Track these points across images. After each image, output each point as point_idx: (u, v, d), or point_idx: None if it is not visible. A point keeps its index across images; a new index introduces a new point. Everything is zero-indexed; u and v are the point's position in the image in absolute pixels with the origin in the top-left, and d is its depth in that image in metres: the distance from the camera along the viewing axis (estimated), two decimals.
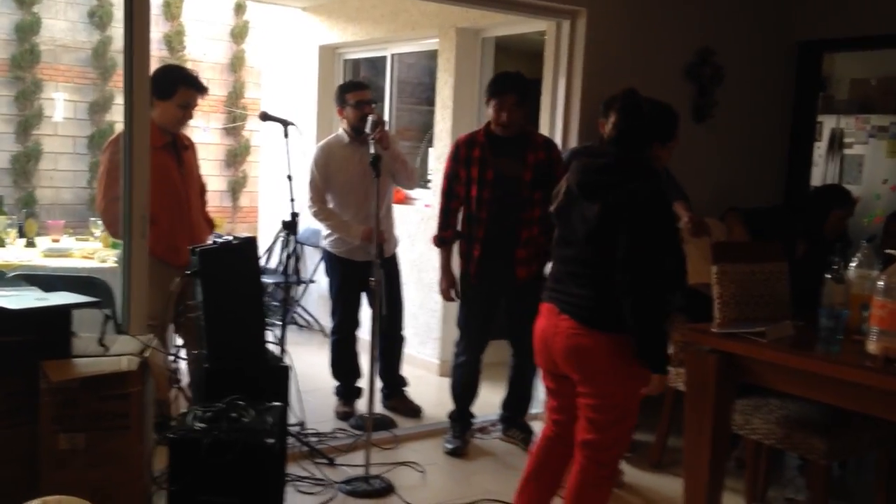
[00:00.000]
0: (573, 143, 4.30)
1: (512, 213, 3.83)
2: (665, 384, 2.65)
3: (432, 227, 5.18)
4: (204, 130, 6.89)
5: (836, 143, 6.18)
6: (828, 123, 6.20)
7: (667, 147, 2.70)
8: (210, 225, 4.02)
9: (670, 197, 4.06)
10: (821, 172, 6.15)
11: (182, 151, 3.81)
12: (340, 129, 4.36)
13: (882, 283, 2.54)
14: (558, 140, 4.31)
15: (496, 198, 3.81)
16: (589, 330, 2.59)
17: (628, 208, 2.50)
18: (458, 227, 3.97)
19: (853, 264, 2.93)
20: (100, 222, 5.02)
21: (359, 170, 4.20)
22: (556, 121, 4.38)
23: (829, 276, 2.75)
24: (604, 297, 2.57)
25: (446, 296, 4.04)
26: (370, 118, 3.83)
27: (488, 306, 3.99)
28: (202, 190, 4.00)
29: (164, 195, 3.64)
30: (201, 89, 3.74)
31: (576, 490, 2.69)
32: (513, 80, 3.86)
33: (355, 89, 4.30)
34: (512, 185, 3.82)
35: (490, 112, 3.84)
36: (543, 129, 4.37)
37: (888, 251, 2.65)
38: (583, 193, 2.61)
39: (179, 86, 3.65)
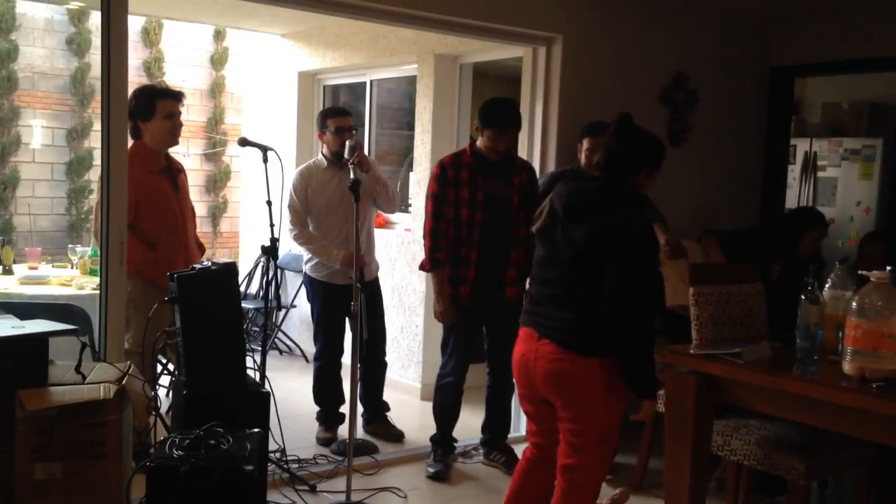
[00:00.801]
0: (551, 167, 4.35)
1: (503, 234, 3.86)
2: (655, 409, 2.66)
3: (413, 250, 5.22)
4: (184, 156, 6.88)
5: (810, 165, 6.28)
6: (801, 146, 6.30)
7: (652, 177, 2.71)
8: (201, 249, 4.01)
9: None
10: (795, 195, 6.24)
11: (176, 175, 3.83)
12: (320, 154, 4.38)
13: (856, 303, 2.58)
14: (536, 164, 4.36)
15: (487, 219, 3.83)
16: (570, 354, 2.58)
17: (619, 235, 2.51)
18: None
19: (827, 285, 2.97)
20: (78, 249, 5.01)
21: (338, 194, 4.21)
22: (533, 145, 4.43)
23: (803, 297, 2.78)
24: (586, 321, 2.57)
25: (446, 318, 3.93)
26: (348, 143, 3.85)
27: (476, 328, 4.01)
28: (192, 214, 4.01)
29: (162, 220, 3.68)
30: (176, 96, 3.78)
31: None
32: (513, 111, 3.90)
33: (336, 115, 4.32)
34: (502, 207, 3.86)
35: (484, 139, 3.83)
36: (521, 153, 4.41)
37: (862, 272, 2.68)
38: (568, 215, 2.60)
39: (156, 100, 3.70)
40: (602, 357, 2.56)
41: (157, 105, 3.68)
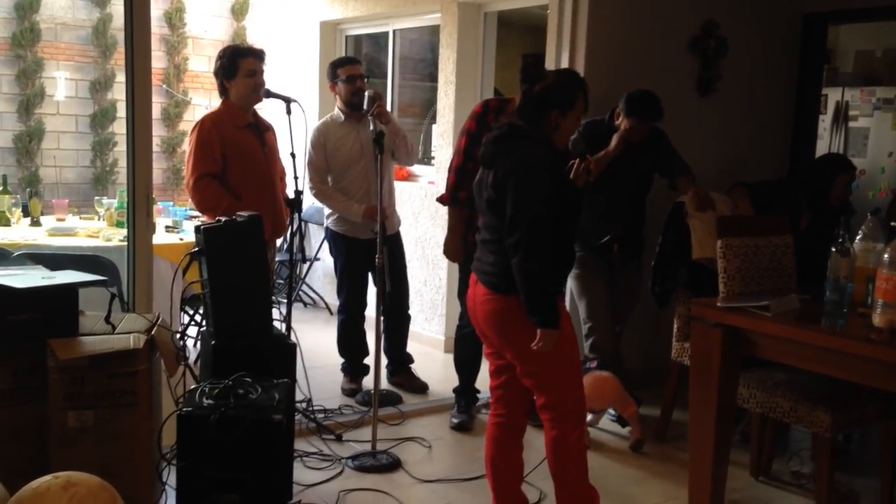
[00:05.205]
0: None
1: None
2: (553, 340, 2.63)
3: (437, 204, 5.19)
4: (206, 108, 6.87)
5: (841, 115, 6.15)
6: (832, 96, 6.16)
7: (568, 116, 2.68)
8: (289, 210, 3.94)
9: (676, 172, 4.06)
10: (825, 145, 6.13)
11: (264, 132, 3.89)
12: (336, 109, 4.34)
13: (887, 255, 2.53)
14: None
15: None
16: (496, 295, 2.70)
17: (513, 174, 2.59)
18: None
19: (858, 237, 2.92)
20: (104, 201, 5.04)
21: (357, 147, 4.19)
22: None
23: (834, 249, 2.74)
24: (505, 261, 2.65)
25: (457, 257, 3.89)
26: (367, 94, 3.80)
27: None
28: (281, 174, 4.03)
29: (248, 174, 3.75)
30: (258, 54, 3.86)
31: (552, 458, 2.79)
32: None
33: (346, 64, 4.29)
34: None
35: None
36: None
37: (894, 223, 2.63)
38: (483, 163, 2.74)
39: (238, 59, 3.79)
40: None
41: (240, 64, 3.77)
